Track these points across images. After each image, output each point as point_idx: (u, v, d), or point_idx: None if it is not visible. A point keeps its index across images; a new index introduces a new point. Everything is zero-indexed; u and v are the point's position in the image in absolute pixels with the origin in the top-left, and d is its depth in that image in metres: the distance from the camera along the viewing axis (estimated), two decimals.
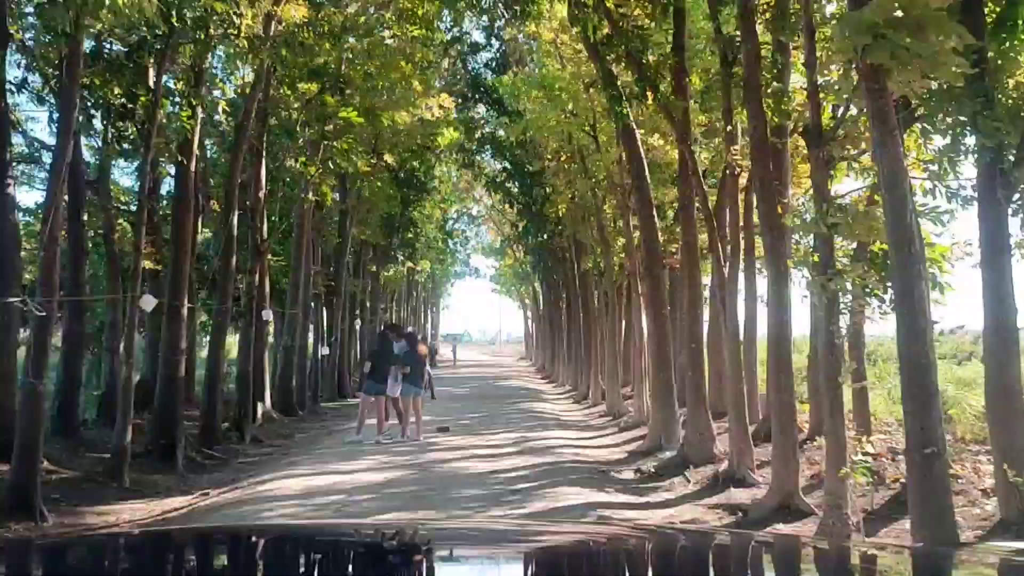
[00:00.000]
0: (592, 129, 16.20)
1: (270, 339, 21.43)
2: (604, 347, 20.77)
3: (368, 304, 27.28)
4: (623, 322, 20.00)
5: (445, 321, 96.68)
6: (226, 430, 13.87)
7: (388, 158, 21.41)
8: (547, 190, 22.32)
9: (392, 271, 27.82)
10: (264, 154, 14.33)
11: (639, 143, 12.50)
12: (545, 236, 25.85)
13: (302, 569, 1.89)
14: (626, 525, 5.27)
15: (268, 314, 14.47)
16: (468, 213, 43.76)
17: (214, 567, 1.95)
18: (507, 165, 25.85)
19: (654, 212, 12.25)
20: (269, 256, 22.01)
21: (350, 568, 1.92)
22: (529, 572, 1.91)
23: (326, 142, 13.94)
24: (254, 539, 2.22)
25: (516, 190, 25.96)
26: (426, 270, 41.26)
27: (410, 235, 27.87)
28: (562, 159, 20.24)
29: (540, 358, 44.50)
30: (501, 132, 24.27)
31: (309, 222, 18.61)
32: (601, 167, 16.36)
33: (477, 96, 25.33)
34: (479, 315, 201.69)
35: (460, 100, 24.80)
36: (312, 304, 23.06)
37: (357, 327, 25.53)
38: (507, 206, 29.44)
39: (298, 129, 13.87)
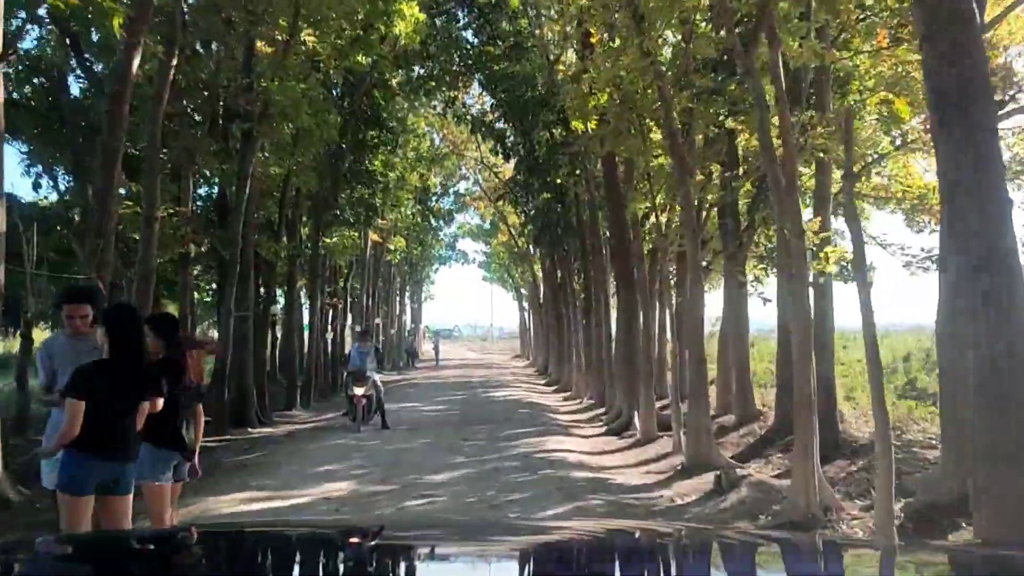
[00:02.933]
0: None
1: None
2: (673, 345, 12.65)
3: (303, 282, 18.97)
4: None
5: (429, 313, 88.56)
6: None
7: (308, 37, 13.13)
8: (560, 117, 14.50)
9: (336, 237, 19.46)
10: None
11: None
12: (559, 181, 17.79)
13: (296, 567, 1.85)
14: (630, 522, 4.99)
15: None
16: (455, 190, 35.81)
17: (210, 567, 1.88)
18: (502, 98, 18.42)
19: None
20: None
21: (340, 565, 1.85)
22: (527, 570, 1.82)
23: None
24: (251, 539, 2.15)
25: (512, 132, 18.82)
26: (400, 247, 33.04)
27: (365, 191, 19.57)
28: (593, 31, 12.20)
29: (540, 357, 36.36)
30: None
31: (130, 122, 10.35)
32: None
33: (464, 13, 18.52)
34: (470, 307, 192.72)
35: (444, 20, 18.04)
36: (190, 278, 14.82)
37: (277, 315, 17.18)
38: (500, 158, 22.48)
39: None
